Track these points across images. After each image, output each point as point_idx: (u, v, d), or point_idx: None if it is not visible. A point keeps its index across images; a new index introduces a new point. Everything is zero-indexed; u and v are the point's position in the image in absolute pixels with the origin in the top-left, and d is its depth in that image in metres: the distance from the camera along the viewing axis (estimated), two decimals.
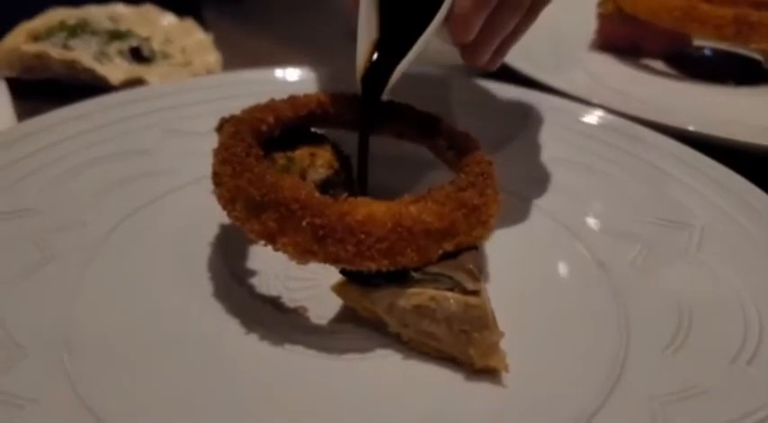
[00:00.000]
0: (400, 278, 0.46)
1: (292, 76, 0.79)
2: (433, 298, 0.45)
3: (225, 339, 0.48)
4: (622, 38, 0.98)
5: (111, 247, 0.55)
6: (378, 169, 0.60)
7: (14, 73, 0.81)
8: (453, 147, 0.55)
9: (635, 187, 0.63)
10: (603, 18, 0.99)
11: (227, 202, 0.48)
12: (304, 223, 0.44)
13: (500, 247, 0.56)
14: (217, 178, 0.49)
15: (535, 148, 0.70)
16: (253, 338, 0.48)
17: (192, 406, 0.43)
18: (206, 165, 0.62)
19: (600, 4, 1.00)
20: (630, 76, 0.94)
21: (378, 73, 0.52)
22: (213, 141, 0.60)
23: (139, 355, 0.46)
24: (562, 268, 0.56)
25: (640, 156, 0.66)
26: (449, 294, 0.45)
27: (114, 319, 0.49)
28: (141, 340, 0.47)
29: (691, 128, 0.73)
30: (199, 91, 0.75)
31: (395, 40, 0.52)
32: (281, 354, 0.47)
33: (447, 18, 0.50)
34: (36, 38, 0.82)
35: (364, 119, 0.55)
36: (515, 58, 0.86)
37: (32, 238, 0.54)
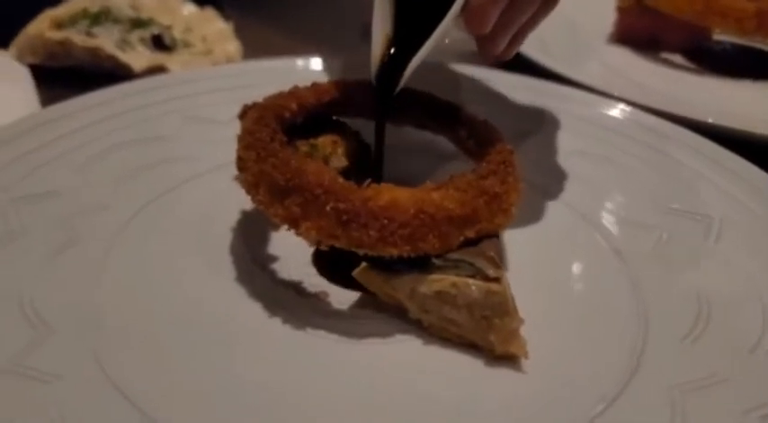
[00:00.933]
0: (422, 264, 0.46)
1: (312, 66, 0.79)
2: (454, 284, 0.45)
3: (248, 322, 0.48)
4: (641, 31, 0.97)
5: (135, 231, 0.56)
6: (396, 159, 0.61)
7: (38, 60, 0.82)
8: (474, 136, 0.55)
9: (653, 178, 0.63)
10: (622, 11, 0.99)
11: (251, 186, 0.48)
12: (328, 208, 0.44)
13: (518, 236, 0.56)
14: (241, 163, 0.50)
15: (552, 140, 0.70)
16: (275, 322, 0.49)
17: (214, 386, 0.43)
18: (226, 152, 0.62)
19: None
20: (649, 69, 0.94)
21: (392, 67, 0.52)
22: (234, 129, 0.61)
23: (163, 336, 0.47)
24: (580, 257, 0.57)
25: (659, 147, 0.67)
26: (470, 281, 0.45)
27: (139, 300, 0.49)
28: (165, 321, 0.48)
29: (709, 120, 0.73)
30: (219, 79, 0.76)
31: (409, 33, 0.52)
32: (303, 337, 0.48)
33: (463, 9, 0.50)
34: (59, 25, 0.83)
35: (378, 112, 0.55)
36: (533, 49, 0.86)
37: (57, 220, 0.55)
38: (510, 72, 0.78)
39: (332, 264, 0.53)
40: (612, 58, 0.96)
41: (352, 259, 0.47)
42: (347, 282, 0.50)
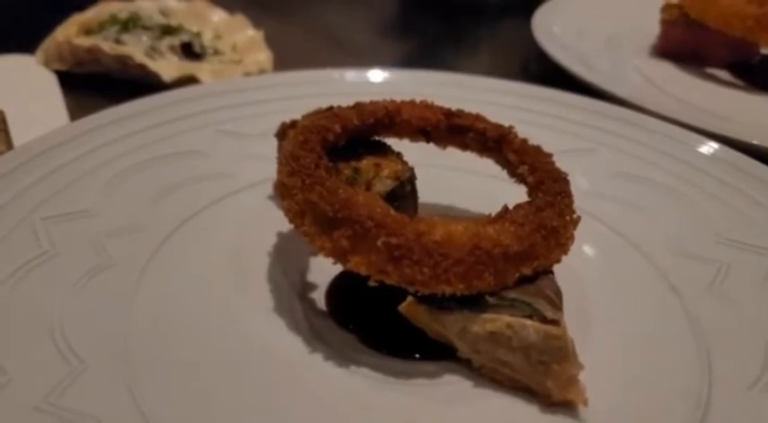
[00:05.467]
0: (474, 302, 0.44)
1: (347, 77, 0.77)
2: (509, 325, 0.43)
3: (288, 358, 0.46)
4: (686, 45, 0.94)
5: (169, 254, 0.54)
6: (441, 180, 0.59)
7: (65, 66, 0.80)
8: (526, 162, 0.52)
9: (710, 207, 0.60)
10: (667, 24, 0.95)
11: (296, 215, 0.46)
12: (379, 242, 0.42)
13: (566, 268, 0.53)
14: (284, 190, 0.47)
15: (601, 162, 0.67)
16: (316, 358, 0.46)
17: None
18: (261, 168, 0.61)
19: (664, 10, 0.96)
20: (693, 84, 0.91)
21: None
22: (268, 144, 0.59)
23: (200, 371, 0.44)
24: (633, 292, 0.53)
25: (717, 175, 0.63)
26: (527, 322, 0.43)
27: (173, 333, 0.47)
28: (202, 355, 0.46)
29: (754, 141, 0.70)
30: (252, 91, 0.73)
31: None
32: (346, 376, 0.45)
33: None
34: (87, 31, 0.81)
35: None
36: (575, 64, 0.83)
37: (89, 241, 0.53)
38: (550, 87, 0.76)
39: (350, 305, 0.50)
40: (655, 72, 0.93)
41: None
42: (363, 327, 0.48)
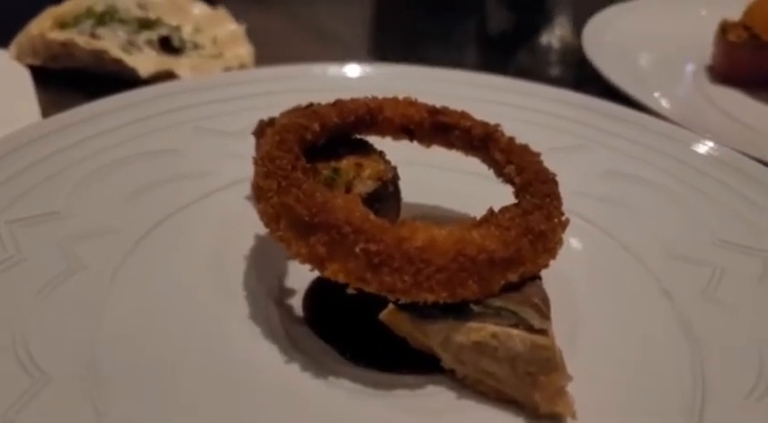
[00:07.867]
0: (458, 310, 0.42)
1: (329, 72, 0.75)
2: (494, 335, 0.41)
3: (263, 369, 0.44)
4: (751, 68, 0.87)
5: (141, 259, 0.51)
6: (424, 179, 0.57)
7: (39, 61, 0.78)
8: (513, 162, 0.50)
9: (702, 206, 0.59)
10: (730, 45, 0.88)
11: (271, 219, 0.43)
12: (357, 249, 0.40)
13: (554, 272, 0.51)
14: (260, 192, 0.45)
15: (591, 160, 0.65)
16: (293, 368, 0.44)
17: None
18: (240, 167, 0.59)
19: (726, 31, 0.89)
20: (757, 109, 0.85)
21: None
22: (248, 141, 0.57)
23: (172, 384, 0.42)
24: (624, 297, 0.51)
25: (708, 173, 0.62)
26: (513, 332, 0.41)
27: (144, 342, 0.45)
28: (174, 366, 0.43)
29: None
30: (232, 87, 0.71)
31: None
32: (325, 386, 0.43)
33: None
34: (62, 25, 0.78)
35: None
36: (626, 81, 0.80)
37: (57, 245, 0.50)
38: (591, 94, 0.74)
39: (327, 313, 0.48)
40: (720, 97, 0.86)
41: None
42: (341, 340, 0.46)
